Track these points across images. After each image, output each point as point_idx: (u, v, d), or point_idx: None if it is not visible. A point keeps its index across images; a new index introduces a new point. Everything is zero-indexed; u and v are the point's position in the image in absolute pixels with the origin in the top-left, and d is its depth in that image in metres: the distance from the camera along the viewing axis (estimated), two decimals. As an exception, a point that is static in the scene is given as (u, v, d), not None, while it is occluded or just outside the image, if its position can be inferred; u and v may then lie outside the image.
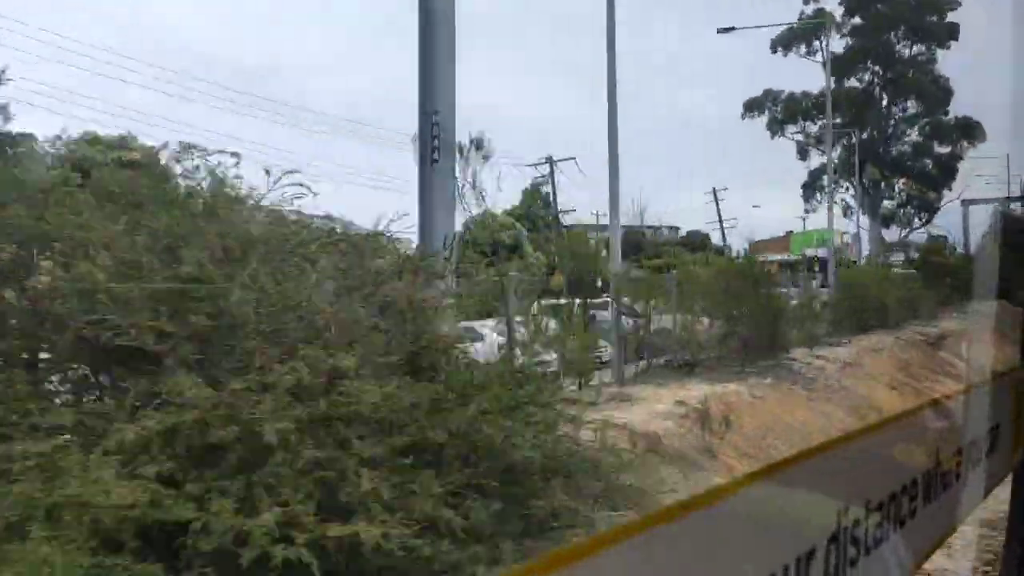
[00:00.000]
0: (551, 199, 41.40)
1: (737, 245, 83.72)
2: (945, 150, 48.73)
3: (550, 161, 35.95)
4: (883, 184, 49.39)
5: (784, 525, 1.89)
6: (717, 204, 62.14)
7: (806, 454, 2.09)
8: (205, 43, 72.94)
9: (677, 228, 65.52)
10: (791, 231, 79.65)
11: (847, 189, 50.27)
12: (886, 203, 51.29)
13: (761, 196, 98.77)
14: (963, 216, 41.67)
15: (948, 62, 48.28)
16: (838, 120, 48.43)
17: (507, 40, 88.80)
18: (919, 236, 50.82)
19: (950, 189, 50.98)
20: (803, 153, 49.61)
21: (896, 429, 2.77)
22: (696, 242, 65.00)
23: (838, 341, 17.44)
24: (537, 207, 39.05)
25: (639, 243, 65.24)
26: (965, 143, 48.98)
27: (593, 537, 1.58)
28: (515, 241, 35.01)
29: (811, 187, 49.33)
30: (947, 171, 48.91)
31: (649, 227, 69.02)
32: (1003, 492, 3.85)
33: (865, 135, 48.22)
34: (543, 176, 35.70)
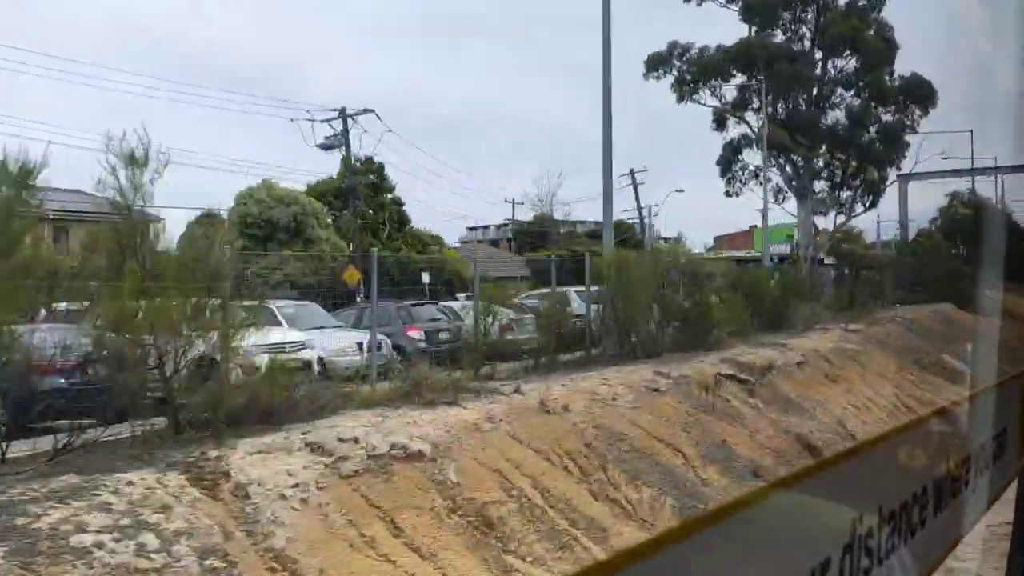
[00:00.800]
0: (382, 169, 32.68)
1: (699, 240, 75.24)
2: (890, 118, 40.03)
3: (343, 115, 27.23)
4: (815, 160, 40.69)
5: (798, 537, 1.92)
6: (635, 188, 53.57)
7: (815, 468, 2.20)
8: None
9: (579, 221, 56.98)
10: (755, 225, 71.39)
11: (774, 167, 41.56)
12: (822, 184, 42.56)
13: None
14: (899, 195, 33.16)
15: (894, 10, 39.74)
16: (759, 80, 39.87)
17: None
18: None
19: (899, 167, 42.38)
20: (720, 123, 40.84)
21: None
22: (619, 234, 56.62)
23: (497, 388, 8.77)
24: (361, 178, 30.28)
25: (546, 234, 56.84)
26: (916, 110, 40.31)
27: (614, 554, 1.49)
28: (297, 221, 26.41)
29: (727, 164, 40.54)
30: (894, 144, 40.20)
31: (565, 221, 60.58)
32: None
33: (790, 99, 39.50)
34: (336, 135, 27.14)
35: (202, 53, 72.90)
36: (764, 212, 32.99)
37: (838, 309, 25.78)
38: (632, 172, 53.48)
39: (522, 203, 63.50)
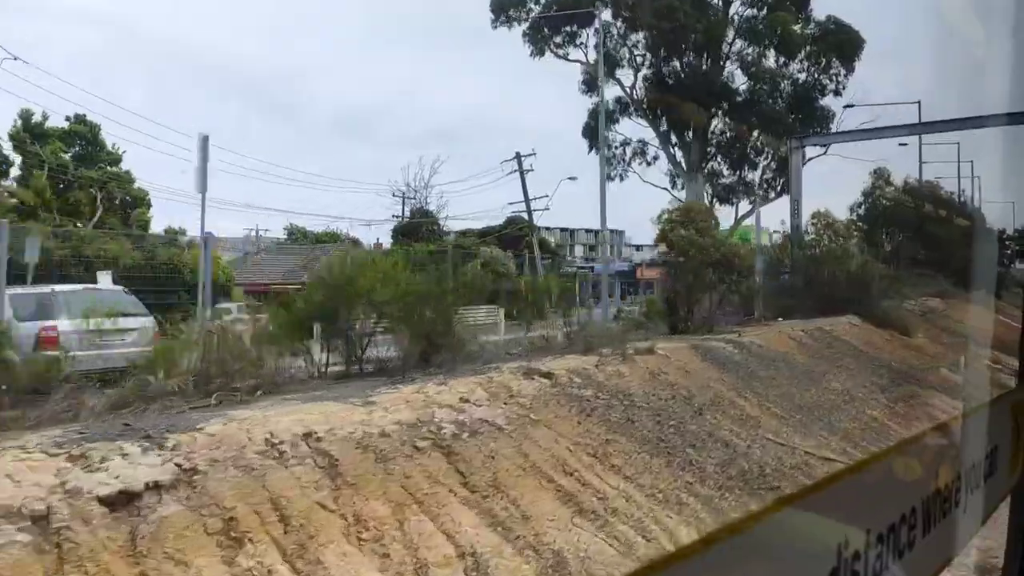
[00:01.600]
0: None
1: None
2: (806, 76, 31.27)
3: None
4: (711, 132, 31.90)
5: (780, 562, 1.94)
6: (522, 175, 44.56)
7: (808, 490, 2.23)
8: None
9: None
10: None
11: (658, 141, 32.73)
12: (728, 164, 33.67)
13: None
14: (791, 168, 23.97)
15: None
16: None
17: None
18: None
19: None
20: (590, 84, 31.96)
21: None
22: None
23: None
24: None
25: (418, 229, 47.71)
26: (841, 68, 31.63)
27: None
28: None
29: (594, 135, 31.63)
30: (809, 109, 31.47)
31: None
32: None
33: (679, 54, 30.65)
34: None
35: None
36: (602, 197, 23.80)
37: (652, 322, 17.09)
38: (518, 156, 44.48)
39: (413, 196, 54.33)
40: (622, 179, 33.81)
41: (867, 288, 22.80)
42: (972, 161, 52.80)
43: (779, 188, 33.42)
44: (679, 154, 31.77)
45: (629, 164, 33.50)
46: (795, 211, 22.53)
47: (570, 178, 52.12)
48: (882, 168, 29.19)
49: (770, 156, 32.18)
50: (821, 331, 17.90)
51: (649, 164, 32.88)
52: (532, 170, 45.03)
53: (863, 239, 28.24)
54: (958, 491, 3.25)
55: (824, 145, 33.04)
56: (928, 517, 2.85)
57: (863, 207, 28.65)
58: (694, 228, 17.74)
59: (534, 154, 43.96)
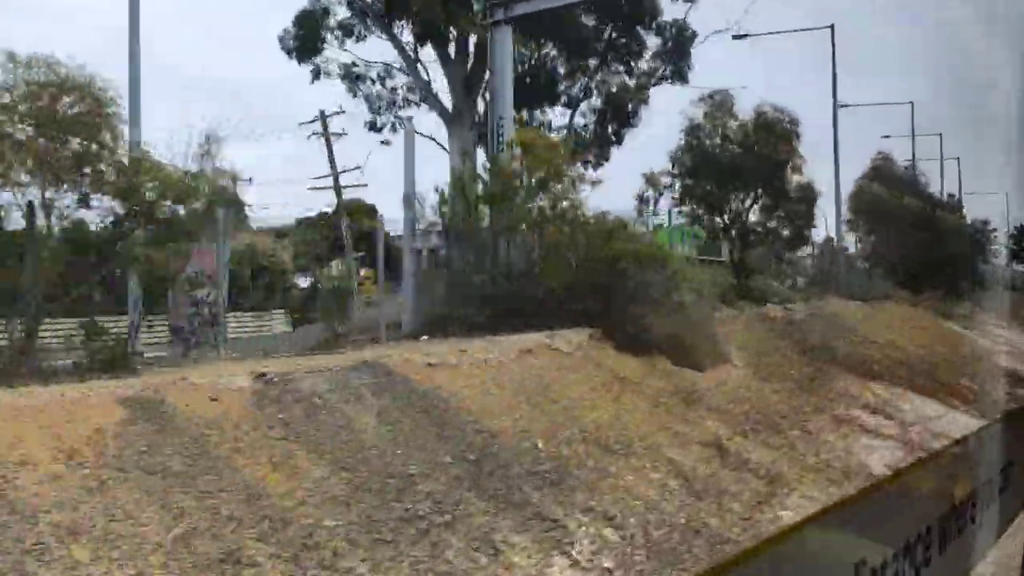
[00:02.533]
0: None
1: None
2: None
3: None
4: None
5: None
6: (328, 142, 34.07)
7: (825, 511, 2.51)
8: None
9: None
10: (660, 225, 53.39)
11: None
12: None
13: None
14: (490, 56, 13.61)
15: None
16: None
17: None
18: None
19: (672, 58, 23.76)
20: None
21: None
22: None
23: None
24: None
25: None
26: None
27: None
28: None
29: (305, 51, 21.14)
30: (641, 17, 21.26)
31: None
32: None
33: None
34: None
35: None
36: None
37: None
38: (322, 115, 33.69)
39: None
40: (395, 129, 23.30)
41: (632, 277, 12.74)
42: (940, 134, 42.36)
43: (614, 134, 23.16)
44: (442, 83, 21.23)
45: (399, 108, 23.14)
46: (498, 139, 12.35)
47: (383, 143, 41.14)
48: (721, 93, 19.11)
49: (585, 87, 21.89)
50: (369, 367, 7.70)
51: (417, 105, 22.51)
52: (345, 133, 34.56)
53: (685, 199, 18.15)
54: (974, 507, 3.57)
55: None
56: (944, 533, 3.07)
57: (686, 152, 18.59)
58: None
59: (343, 112, 33.23)
